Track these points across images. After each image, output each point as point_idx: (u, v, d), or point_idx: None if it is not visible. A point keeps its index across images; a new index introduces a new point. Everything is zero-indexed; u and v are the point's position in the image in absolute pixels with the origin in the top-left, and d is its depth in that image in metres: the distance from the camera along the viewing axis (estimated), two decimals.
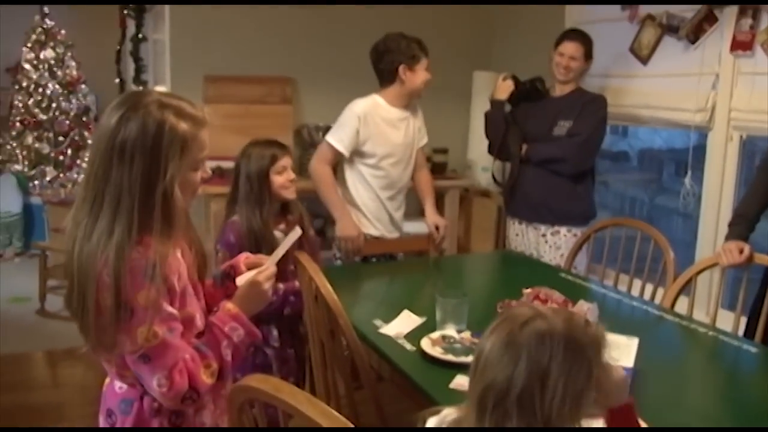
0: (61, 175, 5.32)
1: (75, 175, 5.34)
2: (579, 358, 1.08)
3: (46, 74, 5.20)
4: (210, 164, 1.55)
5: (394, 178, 3.13)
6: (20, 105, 5.23)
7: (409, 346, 2.00)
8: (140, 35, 5.12)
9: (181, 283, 1.45)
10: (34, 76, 5.17)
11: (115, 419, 1.52)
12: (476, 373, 1.14)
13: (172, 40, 4.34)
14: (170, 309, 1.40)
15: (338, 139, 3.02)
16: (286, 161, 2.45)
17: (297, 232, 1.73)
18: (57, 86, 5.23)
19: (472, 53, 4.83)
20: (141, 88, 5.07)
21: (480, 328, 2.01)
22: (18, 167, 5.25)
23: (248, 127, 3.94)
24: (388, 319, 2.18)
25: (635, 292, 2.89)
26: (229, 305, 1.52)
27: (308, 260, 2.04)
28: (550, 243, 3.35)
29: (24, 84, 5.20)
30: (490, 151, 3.51)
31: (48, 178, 5.26)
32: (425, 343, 1.95)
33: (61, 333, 4.26)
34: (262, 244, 2.33)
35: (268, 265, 1.60)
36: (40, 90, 5.17)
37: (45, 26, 5.21)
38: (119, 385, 1.51)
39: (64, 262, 1.43)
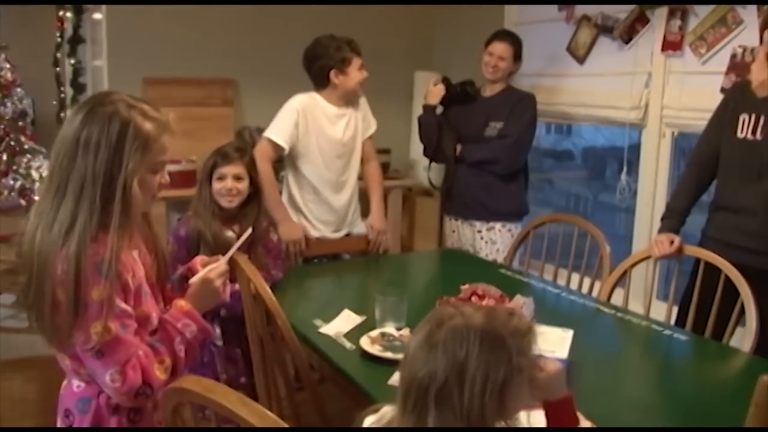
0: None
1: (11, 182, 5.16)
2: (497, 350, 1.10)
3: None
4: None
5: (335, 175, 3.12)
6: None
7: (348, 345, 2.01)
8: (77, 37, 5.01)
9: (136, 282, 1.47)
10: None
11: (73, 419, 1.53)
12: (402, 372, 1.16)
13: (110, 41, 4.26)
14: (124, 306, 1.42)
15: (277, 132, 2.99)
16: (226, 169, 2.45)
17: (248, 231, 1.81)
18: None
19: (413, 54, 4.87)
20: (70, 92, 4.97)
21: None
22: None
23: (189, 130, 3.90)
24: (328, 318, 2.18)
25: (573, 285, 2.95)
26: (181, 302, 1.56)
27: (246, 262, 2.03)
28: (486, 239, 3.41)
29: None
30: (426, 154, 3.57)
31: None
32: (365, 342, 1.96)
33: None
34: (203, 243, 2.36)
35: (221, 263, 1.65)
36: None
37: None
38: (77, 384, 1.52)
39: (21, 255, 1.45)
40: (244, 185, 2.47)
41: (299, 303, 2.46)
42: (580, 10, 3.72)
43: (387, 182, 4.32)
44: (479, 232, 3.42)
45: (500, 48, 3.34)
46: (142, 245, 1.57)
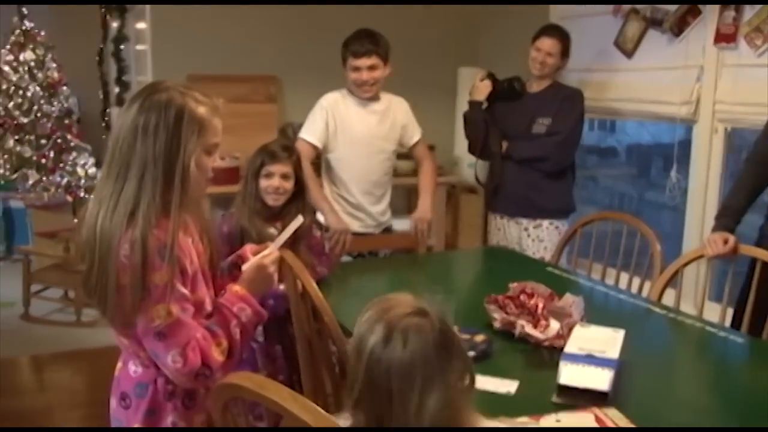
0: (44, 178, 5.25)
1: (58, 179, 5.26)
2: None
3: (27, 76, 5.11)
4: None
5: (362, 170, 3.13)
6: (0, 108, 5.14)
7: None
8: (122, 36, 5.08)
9: (193, 268, 1.53)
10: (14, 79, 5.07)
11: (129, 402, 1.58)
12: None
13: (154, 39, 4.31)
14: (183, 290, 1.48)
15: (310, 132, 3.08)
16: (275, 168, 2.44)
17: (299, 220, 1.83)
18: (38, 88, 5.14)
19: (458, 49, 4.82)
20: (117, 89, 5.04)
21: (467, 323, 2.02)
22: None
23: (232, 127, 3.83)
24: None
25: (622, 285, 2.88)
26: (236, 287, 1.60)
27: (293, 258, 2.01)
28: (533, 236, 3.37)
29: (3, 86, 5.10)
30: (472, 151, 3.53)
31: (30, 182, 5.18)
32: None
33: (47, 337, 4.24)
34: (246, 239, 2.34)
35: (272, 249, 1.71)
36: (21, 92, 5.09)
37: (24, 28, 5.14)
38: (134, 369, 1.57)
39: (82, 242, 1.49)
40: (290, 184, 2.47)
41: (345, 300, 2.44)
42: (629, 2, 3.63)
43: None
44: (526, 229, 3.38)
45: (548, 44, 3.28)
46: (196, 233, 1.61)
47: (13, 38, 5.16)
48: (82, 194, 5.21)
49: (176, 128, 1.47)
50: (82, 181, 5.25)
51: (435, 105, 4.53)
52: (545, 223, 3.35)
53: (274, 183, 2.44)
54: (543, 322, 2.01)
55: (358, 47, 3.01)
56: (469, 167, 4.55)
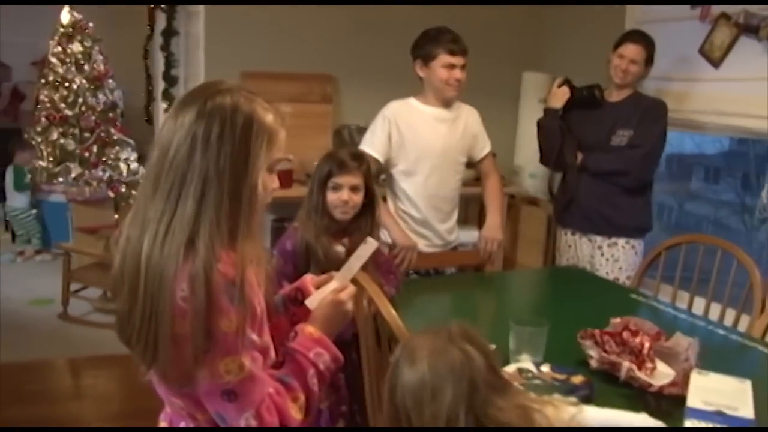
0: (87, 172, 5.13)
1: (100, 173, 5.14)
2: None
3: (73, 68, 5.00)
4: None
5: (433, 186, 2.92)
6: (46, 100, 5.02)
7: None
8: (171, 29, 4.92)
9: (261, 308, 1.27)
10: (61, 71, 4.96)
11: None
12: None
13: (207, 33, 4.14)
14: (254, 336, 1.23)
15: (370, 144, 2.86)
16: (343, 179, 2.20)
17: (372, 245, 1.53)
18: (84, 81, 5.03)
19: (522, 53, 4.58)
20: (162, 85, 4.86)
21: (558, 359, 1.78)
22: (42, 163, 5.06)
23: (287, 127, 3.73)
24: None
25: (712, 316, 2.62)
26: (309, 328, 1.35)
27: (367, 280, 1.79)
28: (607, 255, 3.14)
29: (50, 78, 5.00)
30: (545, 162, 3.31)
31: (73, 176, 5.07)
32: None
33: (84, 339, 4.12)
34: (312, 257, 2.14)
35: (344, 281, 1.47)
36: (67, 84, 4.98)
37: (73, 19, 5.03)
38: None
39: (119, 275, 1.22)
40: (360, 197, 2.22)
41: (416, 326, 2.21)
42: (718, 7, 3.36)
43: None
44: (599, 248, 3.14)
45: (633, 50, 3.04)
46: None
47: (61, 30, 5.04)
48: (123, 189, 5.09)
49: (244, 139, 1.22)
50: (124, 175, 5.13)
51: (496, 111, 4.26)
52: (621, 241, 3.11)
53: (343, 196, 2.19)
54: (649, 365, 1.77)
55: (453, 45, 2.82)
56: (531, 177, 4.32)
